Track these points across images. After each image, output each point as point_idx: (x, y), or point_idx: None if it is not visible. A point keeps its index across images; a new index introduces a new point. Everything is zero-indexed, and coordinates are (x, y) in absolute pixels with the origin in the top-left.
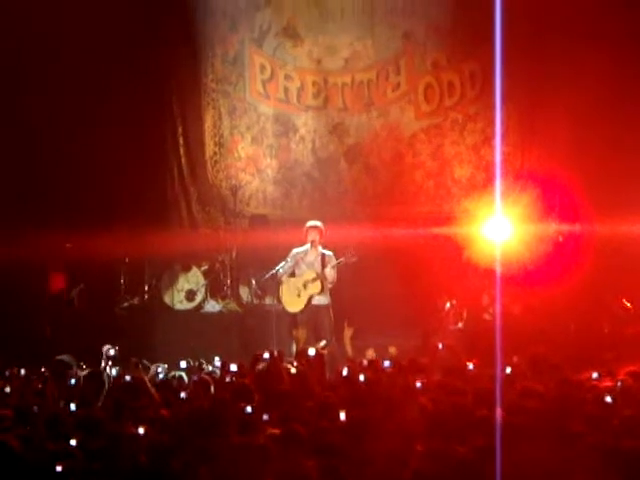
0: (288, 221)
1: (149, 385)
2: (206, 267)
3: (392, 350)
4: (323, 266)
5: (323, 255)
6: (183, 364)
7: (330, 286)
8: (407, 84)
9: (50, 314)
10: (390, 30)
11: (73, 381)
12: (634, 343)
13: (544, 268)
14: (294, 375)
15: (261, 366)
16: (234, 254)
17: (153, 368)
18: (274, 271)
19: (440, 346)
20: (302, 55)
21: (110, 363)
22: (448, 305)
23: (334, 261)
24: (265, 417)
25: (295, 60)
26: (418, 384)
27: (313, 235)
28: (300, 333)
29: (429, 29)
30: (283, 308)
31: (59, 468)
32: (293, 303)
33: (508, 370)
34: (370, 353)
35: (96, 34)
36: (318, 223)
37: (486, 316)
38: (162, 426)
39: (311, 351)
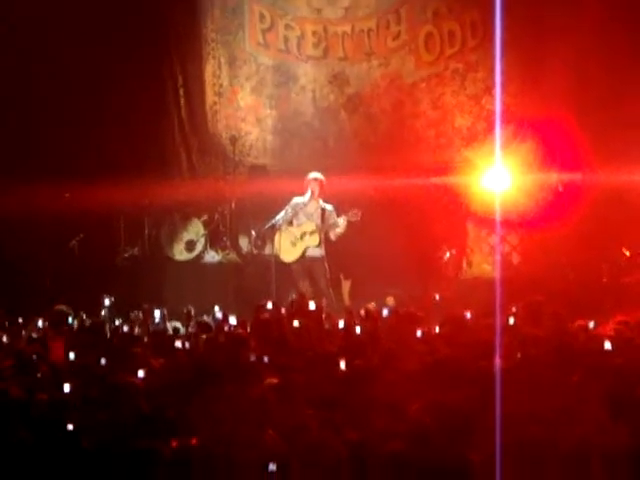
0: (288, 171)
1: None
2: (205, 217)
3: (389, 300)
4: (323, 219)
5: (324, 209)
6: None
7: (334, 238)
8: (408, 33)
9: (50, 264)
10: None
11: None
12: (632, 291)
13: (544, 217)
14: (295, 327)
15: (265, 316)
16: (233, 205)
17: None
18: (274, 221)
19: (437, 297)
20: (302, 4)
21: (108, 313)
22: (447, 255)
23: (335, 216)
24: (265, 359)
25: (295, 9)
26: (418, 333)
27: (313, 186)
28: (303, 287)
29: None
30: (277, 256)
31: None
32: (287, 252)
33: (509, 319)
34: (372, 305)
35: None
36: (319, 175)
37: (485, 266)
38: (159, 375)
39: (311, 305)
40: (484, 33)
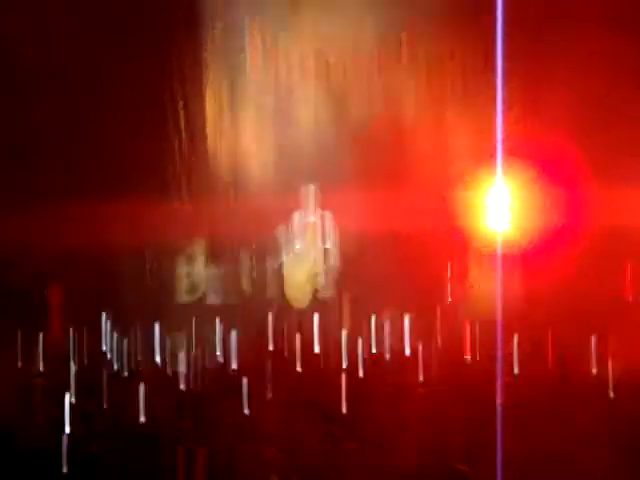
0: (290, 191)
1: None
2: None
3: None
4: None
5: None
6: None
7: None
8: (409, 56)
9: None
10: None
11: None
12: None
13: (545, 248)
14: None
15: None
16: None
17: None
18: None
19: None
20: (302, 26)
21: None
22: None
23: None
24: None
25: (295, 31)
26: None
27: (309, 202)
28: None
29: None
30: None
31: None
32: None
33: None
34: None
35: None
36: (313, 189)
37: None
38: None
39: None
40: (485, 59)
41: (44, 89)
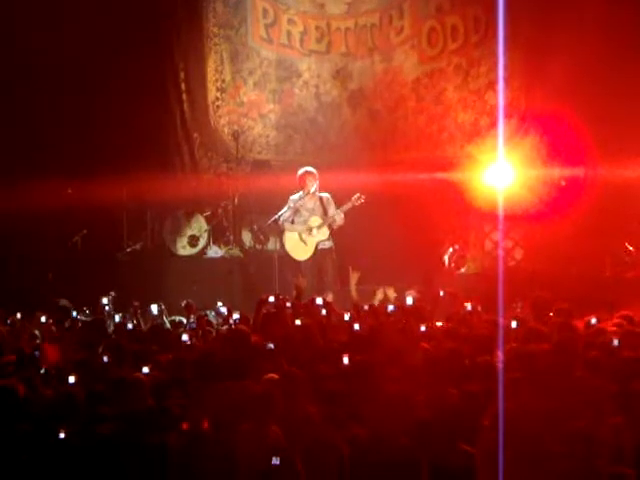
0: (290, 166)
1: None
2: (209, 213)
3: (391, 293)
4: (324, 209)
5: (321, 198)
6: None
7: (335, 228)
8: (410, 28)
9: (52, 259)
10: None
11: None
12: (636, 286)
13: (546, 212)
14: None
15: (267, 309)
16: (236, 200)
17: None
18: (276, 217)
19: (442, 293)
20: None
21: (107, 310)
22: (451, 250)
23: (333, 203)
24: (270, 345)
25: (298, 4)
26: (422, 328)
27: (309, 180)
28: (301, 281)
29: None
30: (288, 255)
31: (62, 435)
32: (300, 250)
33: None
34: (379, 296)
35: None
36: (311, 169)
37: (488, 260)
38: (163, 370)
39: (318, 300)
40: (487, 28)
41: (45, 69)
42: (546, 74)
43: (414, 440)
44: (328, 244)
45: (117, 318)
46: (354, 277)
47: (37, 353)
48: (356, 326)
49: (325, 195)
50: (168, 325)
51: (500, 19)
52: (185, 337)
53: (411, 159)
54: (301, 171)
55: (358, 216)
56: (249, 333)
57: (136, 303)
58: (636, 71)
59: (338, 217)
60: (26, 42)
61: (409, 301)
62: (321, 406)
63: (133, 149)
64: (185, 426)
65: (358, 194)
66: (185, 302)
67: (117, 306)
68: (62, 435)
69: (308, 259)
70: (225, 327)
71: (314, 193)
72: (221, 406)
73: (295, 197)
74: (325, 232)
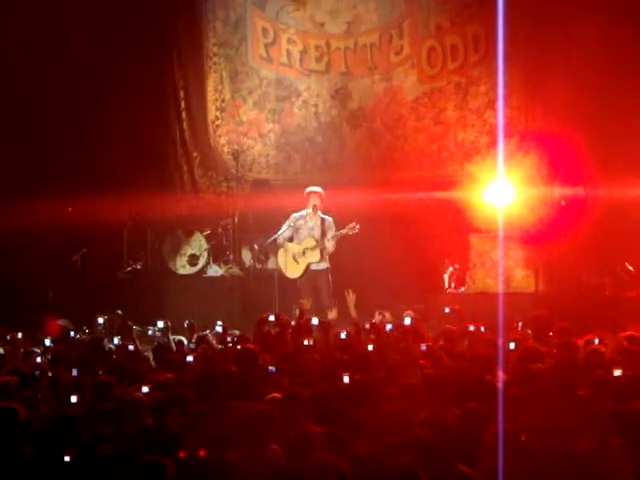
0: (290, 186)
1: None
2: (208, 232)
3: (389, 316)
4: (323, 232)
5: (323, 220)
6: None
7: (327, 255)
8: (410, 48)
9: (53, 278)
10: None
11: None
12: (636, 306)
13: (547, 232)
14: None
15: (267, 328)
16: (236, 219)
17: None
18: (275, 236)
19: (447, 310)
20: (305, 19)
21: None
22: (451, 269)
23: (333, 228)
24: (272, 368)
25: (297, 24)
26: (423, 347)
27: (313, 200)
28: (305, 302)
29: None
30: (281, 272)
31: (67, 458)
32: (291, 269)
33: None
34: (377, 317)
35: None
36: (318, 188)
37: (488, 280)
38: (164, 390)
39: (314, 321)
40: (486, 47)
41: (46, 87)
42: (546, 93)
43: (414, 459)
44: (323, 265)
45: (116, 340)
46: (352, 298)
47: (37, 373)
48: (370, 347)
49: (328, 218)
50: (173, 346)
51: (500, 38)
52: (190, 358)
53: (411, 178)
54: (308, 190)
55: (358, 236)
56: (258, 353)
57: (130, 323)
58: (636, 89)
59: (329, 244)
60: (26, 64)
61: (407, 322)
62: (322, 425)
63: (133, 168)
64: (182, 454)
65: (354, 223)
66: (187, 322)
67: (114, 325)
68: (67, 459)
69: (301, 278)
70: (221, 347)
71: (317, 213)
72: (221, 426)
73: (297, 215)
74: (316, 255)
